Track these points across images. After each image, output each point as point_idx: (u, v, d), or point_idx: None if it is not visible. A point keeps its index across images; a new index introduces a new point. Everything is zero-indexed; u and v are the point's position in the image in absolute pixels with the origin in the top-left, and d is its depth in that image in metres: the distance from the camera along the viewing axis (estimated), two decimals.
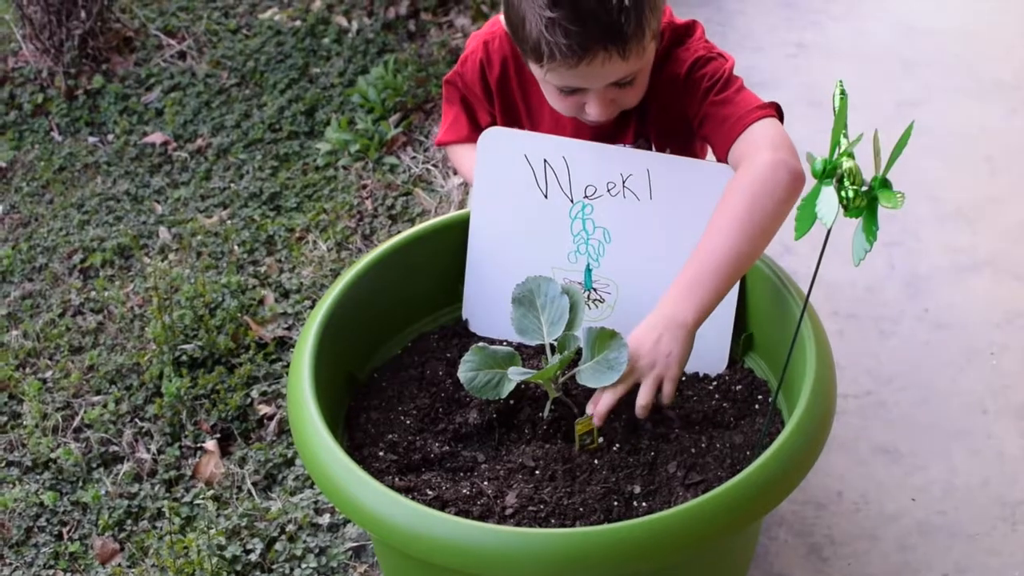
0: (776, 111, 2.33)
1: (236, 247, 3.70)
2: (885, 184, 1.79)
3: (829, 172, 1.80)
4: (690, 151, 2.54)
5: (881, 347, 3.19)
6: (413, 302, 2.51)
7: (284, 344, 3.30)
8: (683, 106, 2.41)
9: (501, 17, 2.43)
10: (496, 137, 2.43)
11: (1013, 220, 3.61)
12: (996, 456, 2.88)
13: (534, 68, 2.31)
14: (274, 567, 2.71)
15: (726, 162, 2.32)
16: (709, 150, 2.54)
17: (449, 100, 2.67)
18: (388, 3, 4.82)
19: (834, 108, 1.83)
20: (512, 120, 2.59)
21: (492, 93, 2.57)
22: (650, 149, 2.52)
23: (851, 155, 1.80)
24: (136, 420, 3.12)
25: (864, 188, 1.79)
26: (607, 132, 2.50)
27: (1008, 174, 3.82)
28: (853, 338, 3.20)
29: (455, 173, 3.85)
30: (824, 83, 4.08)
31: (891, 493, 2.80)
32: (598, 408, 2.14)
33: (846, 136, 1.81)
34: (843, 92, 1.83)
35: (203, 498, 2.90)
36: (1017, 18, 4.71)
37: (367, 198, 3.88)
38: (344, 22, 4.80)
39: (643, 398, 2.13)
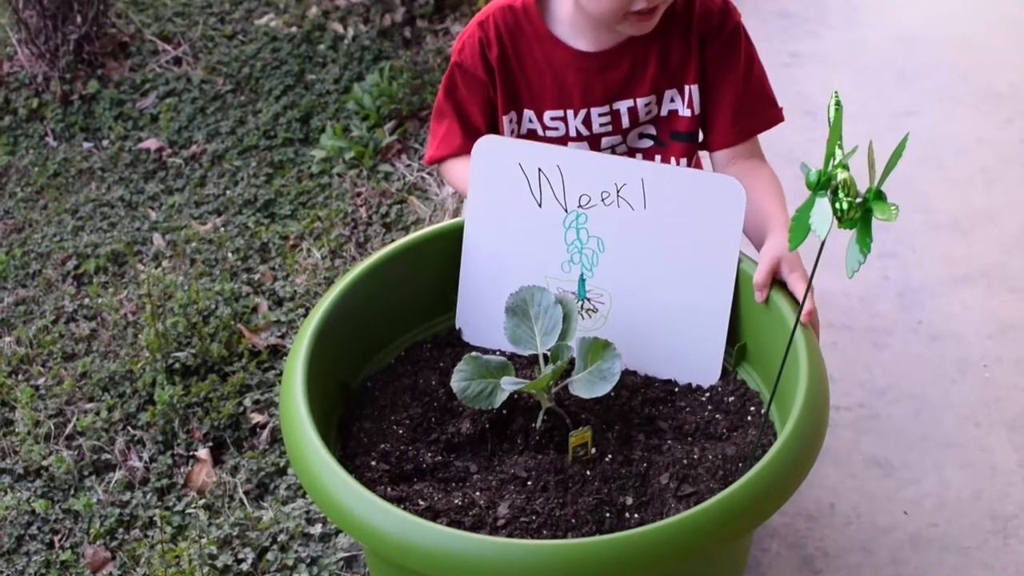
0: None
1: (230, 254, 3.69)
2: (880, 196, 1.78)
3: (824, 183, 1.80)
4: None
5: (874, 359, 3.18)
6: (406, 311, 2.51)
7: (277, 352, 3.30)
8: (716, 58, 2.54)
9: None
10: (491, 146, 2.43)
11: (1008, 231, 3.61)
12: (989, 469, 2.88)
13: None
14: None
15: (727, 123, 2.55)
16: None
17: (440, 114, 2.67)
18: (384, 10, 4.82)
19: (829, 119, 1.83)
20: (514, 100, 2.59)
21: (494, 73, 2.57)
22: (659, 103, 2.56)
23: (846, 166, 1.79)
24: (128, 428, 3.12)
25: (858, 200, 1.79)
26: (620, 84, 2.53)
27: (1003, 185, 3.82)
28: (846, 350, 3.20)
29: None
30: (819, 93, 4.10)
31: (884, 506, 2.80)
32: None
33: (841, 147, 1.81)
34: (838, 103, 1.83)
35: (195, 507, 2.89)
36: (1012, 28, 4.72)
37: (361, 206, 3.87)
38: (340, 28, 4.80)
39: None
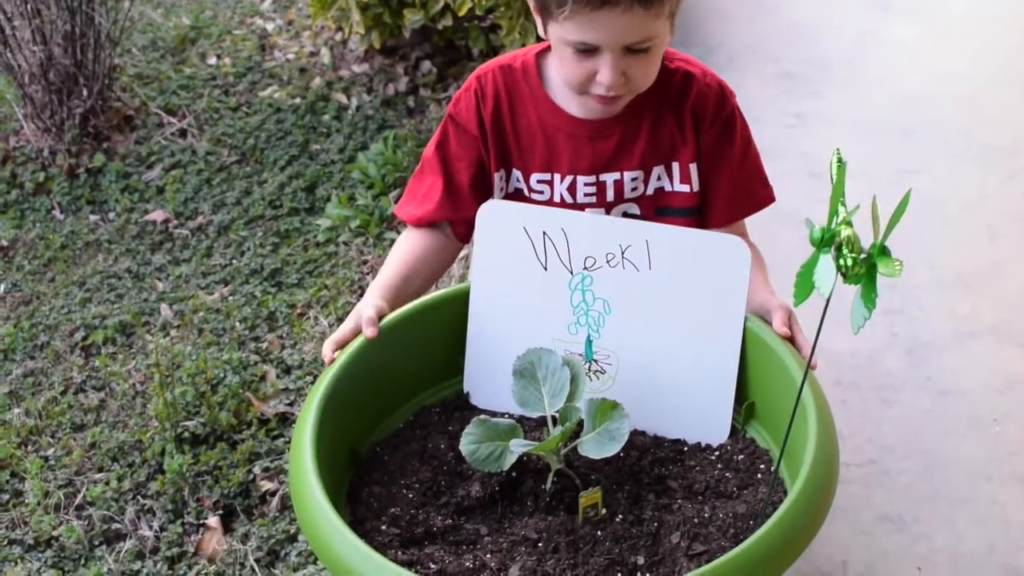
0: None
1: (237, 323, 3.70)
2: (884, 251, 1.78)
3: (827, 240, 1.80)
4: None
5: (883, 415, 3.18)
6: (414, 376, 2.51)
7: (286, 420, 3.30)
8: (712, 142, 2.56)
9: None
10: (495, 210, 2.43)
11: (1014, 286, 3.61)
12: (1001, 523, 2.87)
13: (553, 27, 2.36)
14: None
15: (723, 206, 2.58)
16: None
17: (423, 169, 2.67)
18: (387, 79, 4.85)
19: (831, 176, 1.83)
20: (504, 158, 2.60)
21: (486, 129, 2.58)
22: (646, 181, 2.57)
23: (849, 223, 1.80)
24: (138, 497, 3.11)
25: (863, 256, 1.79)
26: (609, 155, 2.54)
27: (1008, 240, 3.83)
28: (855, 407, 3.19)
29: None
30: (823, 153, 4.08)
31: (896, 562, 2.79)
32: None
33: (844, 204, 1.81)
34: (840, 160, 1.83)
35: (206, 575, 2.88)
36: (1015, 84, 4.74)
37: (368, 273, 3.88)
38: (344, 99, 4.83)
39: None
